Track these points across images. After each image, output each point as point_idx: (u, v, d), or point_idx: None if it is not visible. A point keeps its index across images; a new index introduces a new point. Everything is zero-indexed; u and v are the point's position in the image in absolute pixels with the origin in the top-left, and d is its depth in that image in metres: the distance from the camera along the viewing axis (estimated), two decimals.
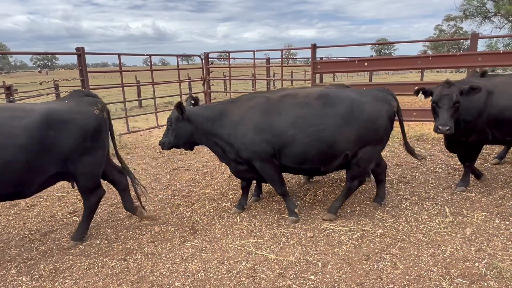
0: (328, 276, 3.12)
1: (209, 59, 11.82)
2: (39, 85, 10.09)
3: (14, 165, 3.16)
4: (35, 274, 3.33)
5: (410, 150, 4.43)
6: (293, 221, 4.10)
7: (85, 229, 3.90)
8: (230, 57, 12.75)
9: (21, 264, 3.51)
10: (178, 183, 5.69)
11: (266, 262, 3.36)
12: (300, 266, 3.28)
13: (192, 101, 4.39)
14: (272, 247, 3.62)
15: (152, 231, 4.06)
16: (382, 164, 4.48)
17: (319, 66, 9.04)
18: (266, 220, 4.22)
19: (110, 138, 4.00)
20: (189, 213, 4.54)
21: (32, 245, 3.89)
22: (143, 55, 10.65)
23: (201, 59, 11.60)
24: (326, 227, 3.96)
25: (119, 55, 9.01)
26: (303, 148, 3.77)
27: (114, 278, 3.22)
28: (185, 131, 4.16)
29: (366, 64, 8.37)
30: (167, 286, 3.07)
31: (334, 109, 3.77)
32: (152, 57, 10.24)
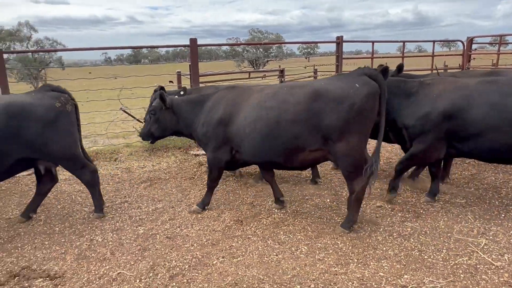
0: None
1: (475, 45, 10.42)
2: (304, 69, 12.11)
3: None
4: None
5: None
6: None
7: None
8: (502, 41, 10.71)
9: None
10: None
11: (492, 266, 3.07)
12: None
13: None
14: (506, 255, 3.23)
15: (374, 206, 4.40)
16: None
17: None
18: (505, 226, 3.72)
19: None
20: (414, 199, 4.57)
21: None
22: (397, 41, 10.68)
23: (463, 44, 10.41)
24: None
25: (372, 42, 9.49)
26: None
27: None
28: None
29: None
30: (380, 251, 3.38)
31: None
32: (407, 44, 10.14)
